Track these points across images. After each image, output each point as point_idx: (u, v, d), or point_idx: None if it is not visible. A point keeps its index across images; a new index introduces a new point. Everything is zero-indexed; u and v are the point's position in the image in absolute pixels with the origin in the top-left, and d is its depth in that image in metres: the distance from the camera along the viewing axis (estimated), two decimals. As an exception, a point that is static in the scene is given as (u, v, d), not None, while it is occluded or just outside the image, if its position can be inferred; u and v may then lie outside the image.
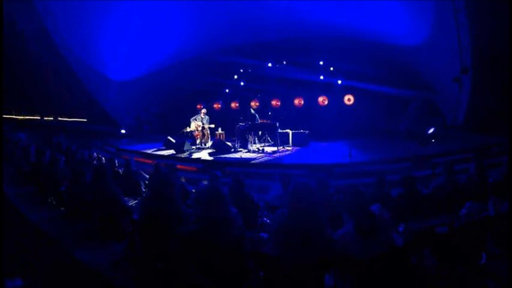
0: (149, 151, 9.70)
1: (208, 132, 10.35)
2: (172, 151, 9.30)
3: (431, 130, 9.28)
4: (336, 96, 12.98)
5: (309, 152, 9.22)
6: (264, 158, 8.30)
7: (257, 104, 13.91)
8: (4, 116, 11.88)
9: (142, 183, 5.16)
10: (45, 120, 14.07)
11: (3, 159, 6.38)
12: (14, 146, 7.90)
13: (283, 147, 9.63)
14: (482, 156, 4.95)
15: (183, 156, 8.79)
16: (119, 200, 3.25)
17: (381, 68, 11.20)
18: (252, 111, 9.75)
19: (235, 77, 14.61)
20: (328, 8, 10.53)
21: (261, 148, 9.33)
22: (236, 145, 9.51)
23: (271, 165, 7.61)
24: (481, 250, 2.44)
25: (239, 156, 8.49)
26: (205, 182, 5.18)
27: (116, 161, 6.34)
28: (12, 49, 11.42)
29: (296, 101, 13.61)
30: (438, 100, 10.96)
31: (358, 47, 11.24)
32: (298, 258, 1.91)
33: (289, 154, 8.91)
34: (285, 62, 13.61)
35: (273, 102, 13.97)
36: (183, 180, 5.07)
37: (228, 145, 9.32)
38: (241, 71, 14.49)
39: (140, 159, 8.76)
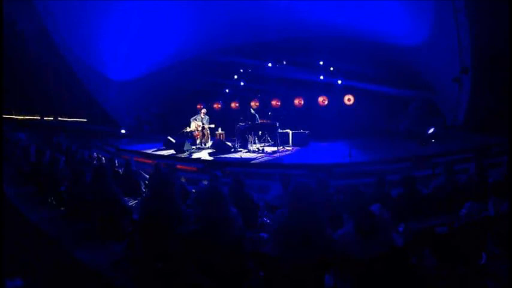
0: (149, 151, 9.69)
1: (208, 132, 10.35)
2: (172, 151, 9.30)
3: (431, 130, 9.28)
4: (336, 96, 12.98)
5: (309, 152, 9.22)
6: (264, 158, 8.30)
7: (257, 104, 13.90)
8: (4, 116, 11.88)
9: (142, 183, 5.16)
10: (45, 120, 14.07)
11: (3, 159, 6.38)
12: (14, 146, 7.90)
13: (283, 147, 9.63)
14: (482, 156, 4.95)
15: (183, 156, 8.79)
16: (119, 200, 3.25)
17: (381, 68, 11.20)
18: (252, 111, 9.75)
19: (235, 77, 14.61)
20: (328, 8, 10.53)
21: (261, 148, 9.33)
22: (236, 145, 9.51)
23: (271, 165, 7.61)
24: (481, 250, 2.44)
25: (239, 156, 8.49)
26: (205, 182, 5.18)
27: (116, 161, 6.34)
28: (12, 49, 11.42)
29: (296, 101, 13.61)
30: (438, 100, 10.96)
31: (358, 47, 11.24)
32: (298, 258, 1.91)
33: (289, 154, 8.90)
34: (285, 62, 13.61)
35: (273, 102, 13.97)
36: (183, 180, 5.07)
37: (228, 145, 9.32)
38: (241, 71, 14.49)
39: (140, 159, 8.76)
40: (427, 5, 9.19)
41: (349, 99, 12.83)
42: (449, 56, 9.67)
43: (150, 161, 8.31)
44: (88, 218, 3.31)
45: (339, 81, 12.67)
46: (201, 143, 10.22)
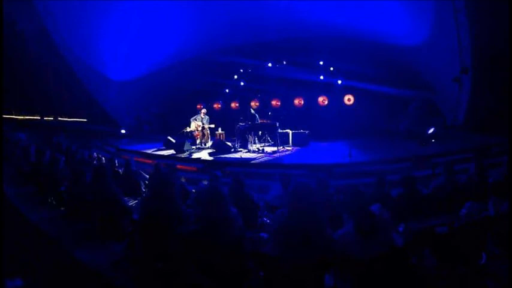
0: (149, 151, 9.69)
1: (208, 132, 10.35)
2: (172, 151, 9.30)
3: (431, 130, 9.28)
4: (336, 96, 12.98)
5: (309, 152, 9.22)
6: (264, 158, 8.30)
7: (257, 104, 13.90)
8: (4, 116, 11.87)
9: (142, 183, 5.16)
10: (45, 120, 14.07)
11: (3, 159, 6.38)
12: (14, 146, 7.90)
13: (283, 147, 9.63)
14: (482, 156, 4.95)
15: (183, 156, 8.79)
16: (119, 200, 3.25)
17: (381, 68, 11.20)
18: (252, 111, 9.75)
19: (235, 77, 14.61)
20: (328, 8, 10.53)
21: (261, 148, 9.32)
22: (236, 145, 9.51)
23: (271, 165, 7.61)
24: (481, 250, 2.44)
25: (239, 156, 8.49)
26: (205, 182, 5.18)
27: (116, 161, 6.33)
28: (12, 49, 11.42)
29: (296, 101, 13.61)
30: (438, 100, 10.96)
31: (358, 47, 11.24)
32: (298, 258, 1.91)
33: (289, 154, 8.90)
34: (285, 62, 13.61)
35: (273, 102, 13.97)
36: (183, 180, 5.07)
37: (228, 145, 9.32)
38: (241, 71, 14.49)
39: (140, 159, 8.76)
40: (427, 5, 9.19)
41: (349, 99, 12.83)
42: (449, 56, 9.66)
43: (150, 161, 8.31)
44: (88, 218, 3.31)
45: (339, 81, 12.67)
46: (201, 143, 10.22)
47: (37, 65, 12.73)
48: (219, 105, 15.00)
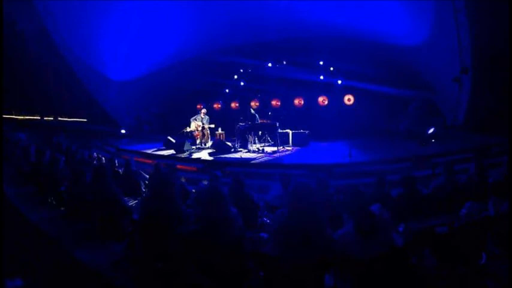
0: (149, 151, 9.70)
1: (208, 132, 10.35)
2: (172, 151, 9.30)
3: (431, 130, 9.28)
4: (336, 96, 12.98)
5: (309, 152, 9.22)
6: (264, 158, 8.30)
7: (257, 104, 13.91)
8: (4, 116, 11.88)
9: (142, 183, 5.16)
10: (45, 120, 14.08)
11: (3, 159, 6.38)
12: (14, 146, 7.90)
13: (283, 147, 9.63)
14: (482, 156, 4.95)
15: (183, 156, 8.79)
16: (119, 200, 3.25)
17: (381, 68, 11.20)
18: (252, 111, 9.75)
19: (235, 77, 14.62)
20: (328, 8, 10.53)
21: (261, 148, 9.32)
22: (236, 145, 9.51)
23: (271, 165, 7.61)
24: (481, 250, 2.44)
25: (239, 156, 8.49)
26: (205, 182, 5.18)
27: (116, 161, 6.33)
28: (12, 49, 11.43)
29: (296, 101, 13.62)
30: (438, 100, 10.96)
31: (358, 47, 11.25)
32: (298, 258, 1.91)
33: (289, 154, 8.90)
34: (285, 62, 13.61)
35: (273, 102, 13.97)
36: (183, 180, 5.07)
37: (228, 145, 9.32)
38: (241, 71, 14.49)
39: (140, 159, 8.76)
40: (427, 5, 9.19)
41: (349, 99, 12.83)
42: (449, 56, 9.67)
43: (150, 161, 8.31)
44: (88, 218, 3.31)
45: (339, 81, 12.67)
46: (201, 143, 10.22)
47: (37, 65, 12.73)
48: (219, 105, 15.01)
